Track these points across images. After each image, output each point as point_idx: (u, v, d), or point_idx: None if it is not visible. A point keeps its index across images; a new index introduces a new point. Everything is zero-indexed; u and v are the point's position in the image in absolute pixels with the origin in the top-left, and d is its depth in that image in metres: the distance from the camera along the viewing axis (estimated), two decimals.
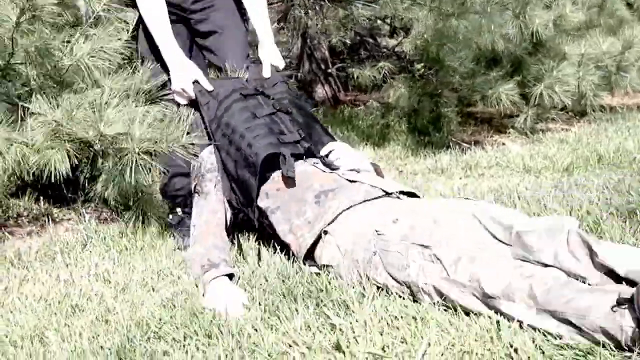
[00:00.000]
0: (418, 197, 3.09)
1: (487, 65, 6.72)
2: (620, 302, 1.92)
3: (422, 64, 7.07)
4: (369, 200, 2.89)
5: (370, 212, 2.80)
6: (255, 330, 2.26)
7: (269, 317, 2.35)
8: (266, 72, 3.61)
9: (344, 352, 2.02)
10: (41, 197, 4.22)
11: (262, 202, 3.12)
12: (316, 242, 2.86)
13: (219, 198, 3.26)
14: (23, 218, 4.09)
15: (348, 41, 8.66)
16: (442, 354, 1.97)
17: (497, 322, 2.10)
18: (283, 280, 2.68)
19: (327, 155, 3.24)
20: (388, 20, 8.77)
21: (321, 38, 8.63)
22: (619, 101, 8.15)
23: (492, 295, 2.18)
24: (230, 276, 2.83)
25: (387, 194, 2.95)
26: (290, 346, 2.12)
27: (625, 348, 1.89)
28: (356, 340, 2.09)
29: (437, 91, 6.88)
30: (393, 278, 2.50)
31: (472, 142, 6.30)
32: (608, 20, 7.77)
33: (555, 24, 6.36)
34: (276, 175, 3.14)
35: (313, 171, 3.12)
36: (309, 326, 2.24)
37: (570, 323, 2.00)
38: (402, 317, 2.21)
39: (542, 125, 6.97)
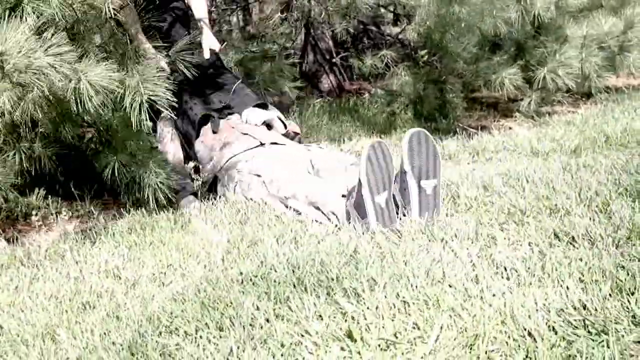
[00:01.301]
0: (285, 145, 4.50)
1: (491, 50, 6.71)
2: (344, 195, 3.37)
3: (426, 51, 7.06)
4: (249, 149, 4.30)
5: (243, 157, 4.23)
6: (267, 320, 2.26)
7: (279, 308, 2.34)
8: (206, 55, 4.79)
9: (356, 340, 2.02)
10: (49, 195, 4.22)
11: (196, 146, 4.63)
12: (215, 179, 4.41)
13: (176, 145, 4.66)
14: (32, 217, 4.09)
15: (351, 30, 8.66)
16: (454, 339, 1.97)
17: (511, 304, 2.09)
18: (293, 270, 2.67)
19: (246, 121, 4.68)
20: (391, 8, 8.75)
21: (325, 28, 8.62)
22: (625, 82, 8.13)
23: (286, 197, 3.68)
24: (195, 194, 4.51)
25: (262, 144, 4.35)
26: (302, 336, 2.12)
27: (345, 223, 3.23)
28: (368, 327, 2.08)
29: (442, 77, 6.87)
30: (244, 197, 4.00)
31: (479, 127, 6.29)
32: (610, 1, 7.72)
33: (557, 6, 6.33)
34: (203, 130, 4.64)
35: (226, 127, 4.57)
36: (320, 315, 2.23)
37: (319, 209, 3.44)
38: (413, 302, 2.21)
39: (549, 108, 6.96)
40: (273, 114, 4.80)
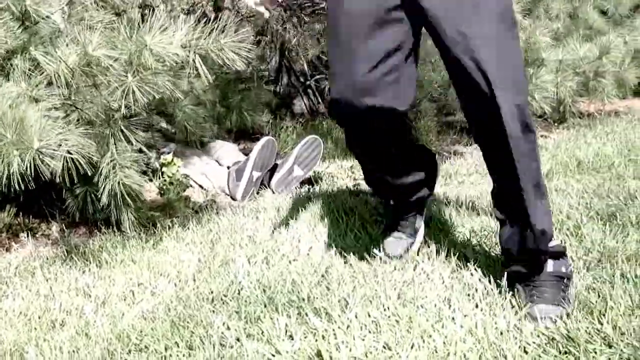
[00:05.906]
0: None
1: None
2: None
3: None
4: None
5: None
6: (237, 340, 2.25)
7: (250, 327, 2.33)
8: None
9: None
10: (21, 213, 4.18)
11: None
12: None
13: None
14: (2, 234, 4.05)
15: (325, 55, 8.66)
16: (426, 359, 1.96)
17: (483, 325, 2.10)
18: (264, 290, 2.66)
19: None
20: None
21: (299, 50, 8.62)
22: (597, 107, 8.17)
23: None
24: None
25: None
26: (273, 355, 2.11)
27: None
28: (338, 347, 2.07)
29: (415, 101, 6.87)
30: None
31: (452, 152, 6.30)
32: (585, 31, 7.80)
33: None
34: None
35: None
36: (291, 335, 2.23)
37: (209, 179, 4.82)
38: (385, 323, 2.20)
39: None
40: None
